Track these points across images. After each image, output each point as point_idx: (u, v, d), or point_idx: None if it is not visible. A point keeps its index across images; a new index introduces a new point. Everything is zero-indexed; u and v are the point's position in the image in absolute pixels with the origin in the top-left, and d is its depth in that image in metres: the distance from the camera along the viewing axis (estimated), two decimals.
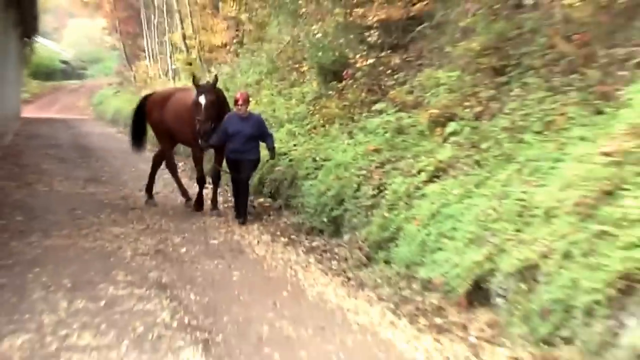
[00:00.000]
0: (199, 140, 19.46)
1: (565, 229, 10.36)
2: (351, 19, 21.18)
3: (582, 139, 11.59)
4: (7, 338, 10.58)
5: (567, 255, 10.10)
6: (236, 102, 18.88)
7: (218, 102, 19.62)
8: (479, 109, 15.08)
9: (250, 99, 20.83)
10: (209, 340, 10.81)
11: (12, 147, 35.42)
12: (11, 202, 21.06)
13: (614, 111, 11.49)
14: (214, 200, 21.03)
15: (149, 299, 12.67)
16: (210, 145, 19.76)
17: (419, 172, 14.86)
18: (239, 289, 13.52)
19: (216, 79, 20.63)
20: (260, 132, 18.97)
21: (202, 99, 19.14)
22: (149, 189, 22.73)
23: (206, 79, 36.05)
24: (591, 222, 9.98)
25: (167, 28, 48.30)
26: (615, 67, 12.63)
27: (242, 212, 19.48)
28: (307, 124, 21.89)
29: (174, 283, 13.65)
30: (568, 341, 9.74)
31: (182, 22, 43.79)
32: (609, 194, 10.13)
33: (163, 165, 23.29)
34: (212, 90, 19.60)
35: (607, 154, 10.51)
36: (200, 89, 19.49)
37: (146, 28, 55.61)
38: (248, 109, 19.09)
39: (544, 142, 12.60)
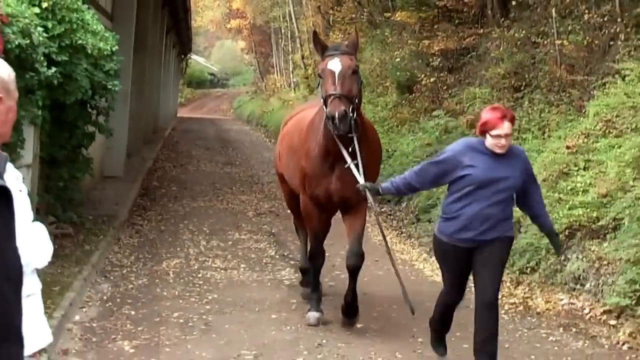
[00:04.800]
0: (353, 164, 9.16)
1: None
2: (420, 47, 22.51)
3: (559, 137, 13.46)
4: (165, 261, 12.89)
5: None
6: (484, 124, 7.63)
7: (359, 78, 9.31)
8: None
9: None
10: (298, 267, 12.61)
11: (170, 138, 37.32)
12: (169, 177, 23.29)
13: (579, 119, 13.36)
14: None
15: (262, 241, 14.85)
16: (381, 191, 8.80)
17: None
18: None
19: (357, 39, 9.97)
20: (524, 187, 7.89)
21: (336, 64, 9.05)
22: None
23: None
24: (553, 192, 11.91)
25: (290, 50, 49.67)
26: (589, 88, 14.44)
27: None
28: (387, 125, 22.94)
29: (280, 232, 15.81)
30: (534, 270, 11.72)
31: (301, 45, 45.20)
32: (565, 173, 12.08)
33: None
34: (353, 55, 9.38)
35: (568, 147, 12.44)
36: (330, 51, 9.37)
37: (275, 49, 56.54)
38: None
39: (535, 139, 14.49)
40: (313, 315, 9.90)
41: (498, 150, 7.52)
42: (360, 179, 8.95)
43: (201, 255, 13.47)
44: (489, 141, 7.55)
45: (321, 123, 9.57)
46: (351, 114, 8.84)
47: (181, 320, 9.76)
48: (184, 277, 11.90)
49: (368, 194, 8.77)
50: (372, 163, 9.69)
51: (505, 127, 7.43)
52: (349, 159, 9.12)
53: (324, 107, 9.08)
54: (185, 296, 10.89)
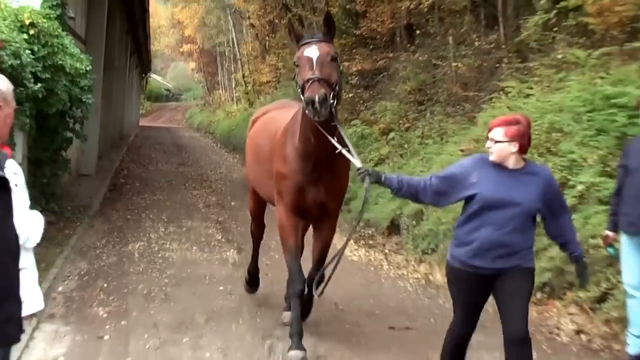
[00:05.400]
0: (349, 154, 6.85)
1: None
2: (341, 68, 22.58)
3: (455, 143, 13.75)
4: (131, 243, 12.95)
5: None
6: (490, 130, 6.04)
7: (338, 67, 7.14)
8: (407, 125, 17.07)
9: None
10: (241, 248, 13.01)
11: (133, 143, 37.03)
12: (133, 175, 23.13)
13: (471, 128, 13.67)
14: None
15: (210, 227, 14.93)
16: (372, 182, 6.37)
17: (370, 160, 16.85)
18: (266, 223, 15.68)
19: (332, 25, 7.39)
20: (550, 211, 6.02)
21: (313, 51, 6.91)
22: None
23: (258, 102, 37.03)
24: None
25: (233, 70, 49.63)
26: (479, 102, 14.77)
27: None
28: None
29: (226, 220, 15.84)
30: (433, 251, 11.97)
31: (242, 66, 45.21)
32: None
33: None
34: (330, 42, 7.18)
35: (462, 150, 12.72)
36: (307, 39, 7.15)
37: (220, 69, 56.42)
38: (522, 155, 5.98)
39: (435, 144, 14.77)
40: (296, 354, 7.38)
41: (490, 157, 5.91)
42: (357, 162, 6.64)
43: (160, 239, 13.56)
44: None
45: (297, 124, 7.51)
46: (332, 101, 6.68)
47: (145, 291, 9.94)
48: (147, 257, 12.04)
49: (367, 179, 6.29)
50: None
51: (494, 132, 5.91)
52: (339, 145, 6.87)
53: (302, 95, 6.75)
54: (148, 272, 11.05)
